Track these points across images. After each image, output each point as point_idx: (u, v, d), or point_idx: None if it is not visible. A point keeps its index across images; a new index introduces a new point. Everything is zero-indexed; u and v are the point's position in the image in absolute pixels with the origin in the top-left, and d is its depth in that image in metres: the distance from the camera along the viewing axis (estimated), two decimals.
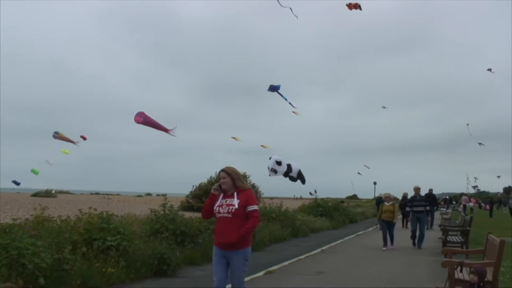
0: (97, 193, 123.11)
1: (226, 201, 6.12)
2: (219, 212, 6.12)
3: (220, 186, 6.26)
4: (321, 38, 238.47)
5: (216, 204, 6.19)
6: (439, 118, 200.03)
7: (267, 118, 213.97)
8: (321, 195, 32.59)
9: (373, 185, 62.78)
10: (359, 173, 46.64)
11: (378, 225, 17.85)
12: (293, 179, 15.52)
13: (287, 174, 15.39)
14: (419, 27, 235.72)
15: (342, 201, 39.63)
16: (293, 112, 19.83)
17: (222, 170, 6.29)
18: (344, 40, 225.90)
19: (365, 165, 45.68)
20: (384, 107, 42.43)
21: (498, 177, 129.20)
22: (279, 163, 15.03)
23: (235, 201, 6.03)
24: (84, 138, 18.74)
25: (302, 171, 16.12)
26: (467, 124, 47.45)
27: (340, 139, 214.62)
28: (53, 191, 78.99)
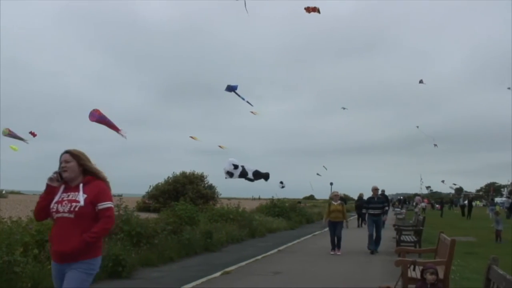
0: None
1: (68, 195, 4.48)
2: (57, 211, 4.45)
3: (60, 174, 4.55)
4: (281, 40, 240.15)
5: (54, 200, 4.51)
6: (394, 120, 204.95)
7: (226, 119, 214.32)
8: (278, 195, 32.78)
9: (330, 186, 63.54)
10: (318, 174, 47.10)
11: (327, 227, 15.55)
12: (250, 180, 15.53)
13: (243, 176, 15.40)
14: (377, 32, 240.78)
15: (299, 201, 39.93)
16: (252, 112, 19.89)
17: (66, 152, 4.62)
18: (304, 43, 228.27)
19: (323, 166, 46.19)
20: (344, 108, 43.11)
21: (443, 181, 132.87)
22: (235, 166, 15.04)
23: (81, 196, 4.43)
24: (34, 135, 18.17)
25: (260, 171, 16.14)
26: (417, 127, 48.80)
27: (299, 140, 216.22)
28: (3, 191, 76.54)
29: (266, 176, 16.12)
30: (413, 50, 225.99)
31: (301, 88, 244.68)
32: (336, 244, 14.83)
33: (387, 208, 16.56)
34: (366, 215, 15.87)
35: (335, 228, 14.92)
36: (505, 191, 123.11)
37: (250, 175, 15.44)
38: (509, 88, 40.95)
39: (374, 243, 15.19)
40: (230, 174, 14.98)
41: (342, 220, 15.14)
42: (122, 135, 12.45)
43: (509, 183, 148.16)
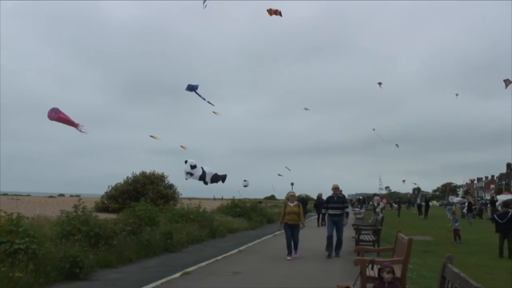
0: (5, 194, 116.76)
1: None
2: None
3: None
4: (244, 41, 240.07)
5: None
6: (355, 121, 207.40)
7: (188, 119, 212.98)
8: (240, 195, 32.83)
9: (291, 186, 63.91)
10: (279, 174, 47.31)
11: (283, 229, 14.35)
12: (205, 183, 15.50)
13: (201, 178, 15.37)
14: (338, 34, 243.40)
15: (260, 201, 40.05)
16: (214, 112, 19.84)
17: None
18: (266, 44, 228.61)
19: (286, 167, 46.41)
20: (306, 109, 43.56)
21: (403, 181, 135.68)
22: (193, 166, 14.98)
23: None
24: None
25: (222, 172, 16.13)
26: (373, 129, 49.71)
27: (261, 141, 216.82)
28: None
29: (223, 178, 16.12)
30: (373, 53, 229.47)
31: (263, 89, 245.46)
32: (293, 247, 13.93)
33: (347, 209, 14.91)
34: (326, 215, 14.84)
35: (292, 231, 13.91)
36: (460, 191, 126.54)
37: (208, 179, 15.42)
38: (457, 95, 42.35)
39: (334, 246, 14.15)
40: (190, 175, 14.92)
41: (298, 223, 14.00)
42: (81, 131, 12.24)
43: (464, 183, 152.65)
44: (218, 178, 15.90)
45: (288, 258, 13.49)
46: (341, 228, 14.29)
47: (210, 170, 15.69)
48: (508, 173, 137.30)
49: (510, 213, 14.89)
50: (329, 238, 14.16)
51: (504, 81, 24.03)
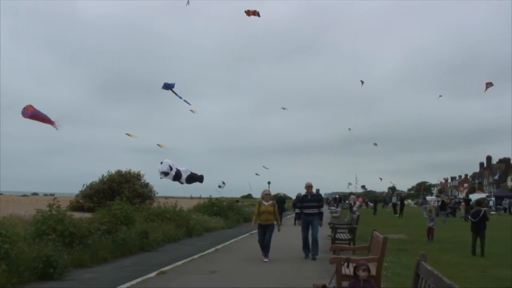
0: None
1: None
2: None
3: None
4: (223, 40, 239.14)
5: None
6: (332, 121, 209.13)
7: (165, 117, 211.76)
8: (216, 194, 32.77)
9: (268, 185, 64.04)
10: (256, 174, 47.38)
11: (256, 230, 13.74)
12: (181, 183, 15.44)
13: (177, 179, 15.31)
14: (317, 35, 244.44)
15: (237, 200, 40.03)
16: (191, 110, 19.79)
17: None
18: (245, 43, 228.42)
19: (263, 166, 46.50)
20: (284, 108, 43.82)
21: (380, 179, 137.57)
22: (170, 167, 14.92)
23: None
24: None
25: (199, 171, 16.09)
26: (349, 129, 50.20)
27: (238, 140, 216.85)
28: None
29: (200, 179, 16.07)
30: (351, 53, 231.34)
31: (242, 88, 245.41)
32: (265, 250, 13.09)
33: (322, 209, 14.09)
34: (301, 215, 13.97)
35: (265, 231, 13.09)
36: (435, 190, 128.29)
37: (183, 179, 15.35)
38: (440, 96, 42.92)
39: (311, 247, 13.52)
40: (165, 174, 14.85)
41: (273, 222, 13.24)
42: (57, 128, 12.08)
43: (438, 182, 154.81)
44: (194, 178, 15.84)
45: (265, 260, 12.81)
46: (316, 227, 13.55)
47: (186, 170, 15.63)
48: (481, 172, 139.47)
49: (482, 212, 15.15)
50: (305, 239, 13.62)
51: (486, 83, 24.33)
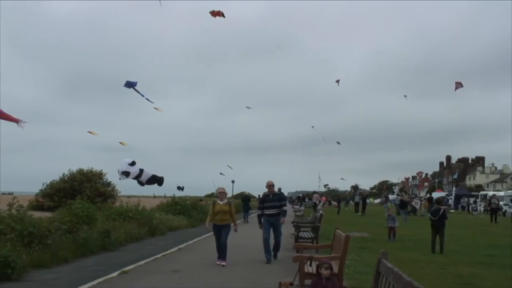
0: None
1: None
2: None
3: None
4: (188, 39, 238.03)
5: None
6: (296, 120, 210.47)
7: (129, 115, 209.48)
8: (180, 193, 32.54)
9: (231, 184, 64.16)
10: (221, 173, 47.28)
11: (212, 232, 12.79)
12: (141, 183, 15.28)
13: (137, 178, 15.15)
14: (282, 35, 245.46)
15: (201, 199, 39.89)
16: (155, 108, 19.59)
17: None
18: (210, 42, 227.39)
19: (228, 166, 46.43)
20: (248, 107, 43.96)
21: (342, 179, 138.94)
22: (131, 164, 14.74)
23: None
24: None
25: (163, 169, 15.97)
26: (312, 127, 50.81)
27: (203, 138, 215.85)
28: None
29: (160, 181, 15.94)
30: (315, 53, 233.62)
31: (206, 87, 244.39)
32: (222, 252, 12.17)
33: (285, 207, 13.32)
34: (262, 216, 13.02)
35: (220, 232, 12.18)
36: (396, 189, 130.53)
37: (143, 179, 15.20)
38: (405, 96, 43.75)
39: (272, 249, 12.87)
40: (125, 174, 14.66)
41: (230, 223, 12.35)
42: (22, 126, 11.79)
43: (399, 181, 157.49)
44: (155, 180, 15.70)
45: (223, 264, 11.87)
46: (278, 229, 12.94)
47: (148, 171, 15.49)
48: (441, 171, 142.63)
49: (442, 210, 15.47)
50: (266, 241, 12.61)
51: (456, 83, 24.77)
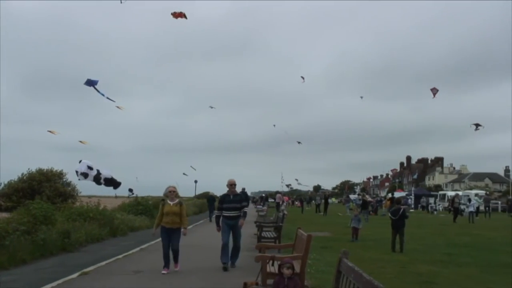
0: None
1: None
2: None
3: None
4: (152, 39, 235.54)
5: None
6: (260, 121, 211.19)
7: (92, 115, 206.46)
8: (143, 193, 32.31)
9: (194, 184, 63.96)
10: (184, 173, 47.14)
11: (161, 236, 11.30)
12: (99, 183, 15.12)
13: (96, 180, 14.97)
14: (246, 35, 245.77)
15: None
16: (117, 107, 19.38)
17: None
18: (174, 42, 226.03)
19: (191, 166, 46.36)
20: (212, 107, 43.75)
21: (296, 180, 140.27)
22: (90, 167, 14.55)
23: None
24: None
25: (127, 170, 15.87)
26: (274, 125, 51.22)
27: (166, 138, 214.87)
28: None
29: (117, 185, 15.81)
30: (279, 55, 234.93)
31: (170, 87, 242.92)
32: (174, 258, 11.05)
33: (246, 209, 11.98)
34: (220, 218, 11.76)
35: (170, 237, 10.92)
36: (358, 189, 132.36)
37: (102, 180, 15.04)
38: (361, 97, 44.44)
39: (230, 255, 11.72)
40: (84, 175, 14.45)
41: (180, 226, 11.07)
42: None
43: (361, 181, 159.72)
44: (112, 182, 15.55)
45: (164, 272, 10.62)
46: (238, 232, 11.78)
47: (106, 172, 15.32)
48: (401, 171, 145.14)
49: (401, 210, 15.76)
50: (225, 246, 11.47)
51: (431, 89, 25.27)
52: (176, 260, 11.03)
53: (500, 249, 16.33)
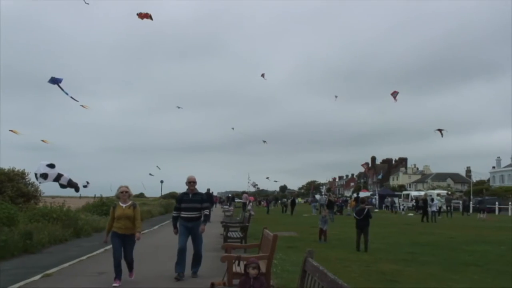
0: None
1: None
2: None
3: None
4: (119, 38, 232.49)
5: None
6: (227, 121, 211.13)
7: (55, 114, 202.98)
8: (108, 193, 31.88)
9: (160, 184, 63.44)
10: (150, 174, 46.83)
11: (111, 242, 9.58)
12: (63, 186, 14.91)
13: (57, 180, 14.77)
14: (213, 36, 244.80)
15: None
16: (82, 106, 19.15)
17: None
18: (141, 42, 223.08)
19: (157, 166, 46.13)
20: (179, 107, 43.68)
21: (267, 178, 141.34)
22: (50, 166, 14.32)
23: None
24: None
25: (92, 170, 15.71)
26: (232, 128, 51.55)
27: (133, 138, 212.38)
28: None
29: (76, 188, 15.64)
30: (246, 56, 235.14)
31: (137, 87, 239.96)
32: (128, 266, 9.73)
33: (207, 211, 10.55)
34: (177, 219, 10.53)
35: (123, 244, 9.44)
36: (323, 189, 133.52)
37: (63, 181, 14.84)
38: (336, 96, 44.91)
39: (191, 263, 10.52)
40: (44, 177, 14.21)
41: (133, 232, 9.44)
42: None
43: (327, 181, 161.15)
44: (71, 185, 15.36)
45: (115, 284, 9.10)
46: (198, 236, 10.44)
47: (66, 175, 15.12)
48: (366, 172, 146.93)
49: (366, 210, 15.97)
50: (181, 252, 10.15)
51: (391, 94, 25.70)
52: (130, 268, 9.81)
53: (461, 248, 16.69)
